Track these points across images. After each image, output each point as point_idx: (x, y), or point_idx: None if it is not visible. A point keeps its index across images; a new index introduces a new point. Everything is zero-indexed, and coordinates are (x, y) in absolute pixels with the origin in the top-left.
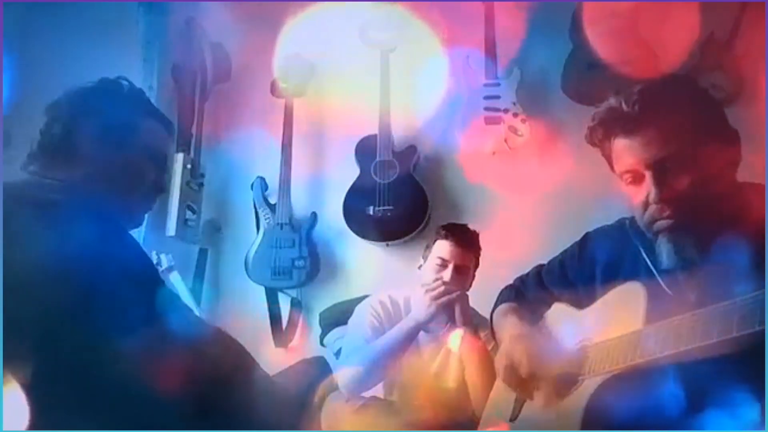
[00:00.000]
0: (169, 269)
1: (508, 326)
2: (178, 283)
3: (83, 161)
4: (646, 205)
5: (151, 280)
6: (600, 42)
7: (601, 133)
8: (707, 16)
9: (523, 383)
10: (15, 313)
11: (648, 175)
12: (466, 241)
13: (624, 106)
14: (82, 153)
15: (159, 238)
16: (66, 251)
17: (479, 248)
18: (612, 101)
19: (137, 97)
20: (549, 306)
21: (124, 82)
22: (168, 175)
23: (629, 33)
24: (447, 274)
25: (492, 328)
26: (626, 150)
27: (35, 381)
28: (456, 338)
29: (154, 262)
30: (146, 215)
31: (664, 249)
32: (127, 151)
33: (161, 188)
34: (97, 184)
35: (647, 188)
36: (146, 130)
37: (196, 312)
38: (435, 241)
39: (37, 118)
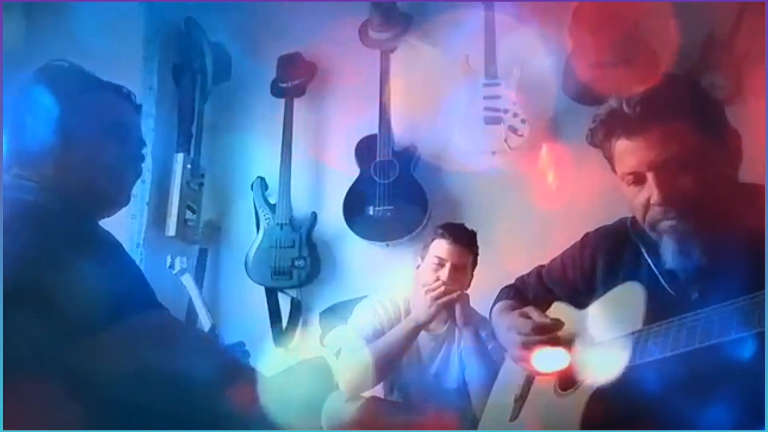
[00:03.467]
0: (182, 272)
1: (506, 321)
2: (189, 285)
3: (44, 160)
4: (647, 206)
5: (133, 280)
6: (600, 42)
7: (602, 135)
8: (707, 16)
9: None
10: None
11: (650, 176)
12: (464, 240)
13: (625, 107)
14: (38, 151)
15: (159, 238)
16: (44, 252)
17: (477, 248)
18: (613, 103)
19: (76, 74)
20: (549, 306)
21: (62, 63)
22: (139, 139)
23: (629, 33)
24: (444, 274)
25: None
26: (628, 152)
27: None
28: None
29: (168, 265)
30: (132, 191)
31: (669, 249)
32: (79, 133)
33: (134, 157)
34: (65, 177)
35: (649, 190)
36: (92, 105)
37: (206, 315)
38: (432, 240)
39: None
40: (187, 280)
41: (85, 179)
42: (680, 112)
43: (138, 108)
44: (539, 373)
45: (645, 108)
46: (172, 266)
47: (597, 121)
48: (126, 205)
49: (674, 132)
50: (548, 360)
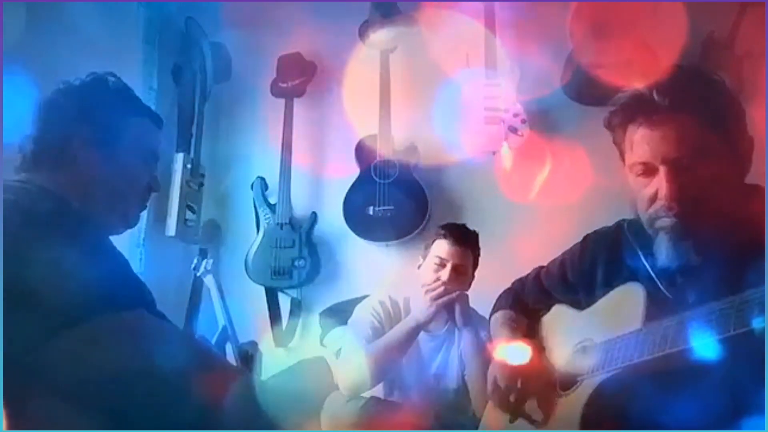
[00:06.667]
0: (206, 273)
1: (500, 339)
2: (212, 286)
3: (79, 169)
4: (653, 200)
5: (133, 297)
6: (600, 42)
7: (621, 119)
8: (707, 16)
9: (510, 406)
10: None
11: (662, 170)
12: (465, 240)
13: (656, 95)
14: (78, 160)
15: (159, 238)
16: (51, 263)
17: (478, 248)
18: (640, 89)
19: (125, 93)
20: (548, 309)
21: (111, 78)
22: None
23: (629, 33)
24: (445, 274)
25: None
26: (645, 141)
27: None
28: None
29: (192, 266)
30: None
31: (663, 247)
32: (122, 156)
33: (155, 187)
34: (93, 192)
35: (658, 183)
36: (137, 130)
37: (222, 315)
38: (434, 240)
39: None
40: (210, 281)
41: (111, 200)
42: (708, 111)
43: (162, 135)
44: None
45: (675, 99)
46: (196, 268)
47: (618, 104)
48: (134, 227)
49: (697, 129)
50: None
